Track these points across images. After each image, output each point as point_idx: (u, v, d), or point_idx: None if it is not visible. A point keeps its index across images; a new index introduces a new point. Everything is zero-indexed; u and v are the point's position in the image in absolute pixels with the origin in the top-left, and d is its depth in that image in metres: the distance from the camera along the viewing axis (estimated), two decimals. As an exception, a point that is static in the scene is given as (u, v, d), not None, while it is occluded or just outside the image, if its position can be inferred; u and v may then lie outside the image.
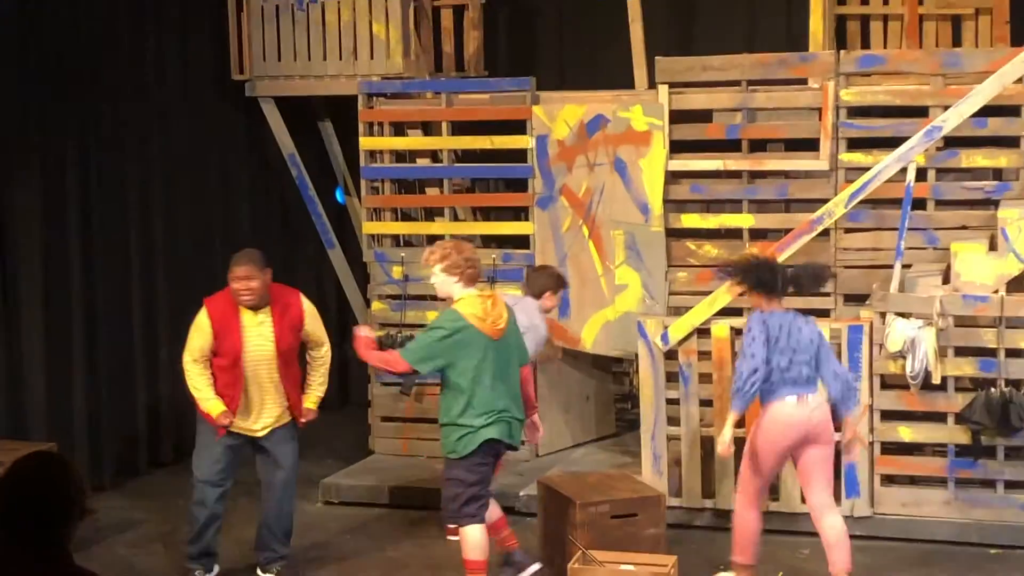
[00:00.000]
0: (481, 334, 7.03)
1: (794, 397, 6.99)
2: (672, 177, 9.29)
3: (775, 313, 7.09)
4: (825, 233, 8.78)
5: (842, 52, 9.13)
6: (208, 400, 7.39)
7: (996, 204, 8.64)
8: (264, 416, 7.52)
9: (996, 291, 8.01)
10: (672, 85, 9.23)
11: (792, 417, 7.00)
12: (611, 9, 10.58)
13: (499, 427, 7.10)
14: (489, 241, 10.14)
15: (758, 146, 9.27)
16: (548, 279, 8.51)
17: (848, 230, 8.99)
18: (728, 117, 9.26)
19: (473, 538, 7.14)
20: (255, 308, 7.41)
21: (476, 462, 7.13)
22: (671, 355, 8.48)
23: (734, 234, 9.32)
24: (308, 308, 7.64)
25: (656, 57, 9.41)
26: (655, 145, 9.23)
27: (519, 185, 9.82)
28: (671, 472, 8.50)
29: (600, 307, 9.44)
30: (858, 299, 8.81)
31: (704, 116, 9.35)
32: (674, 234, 9.35)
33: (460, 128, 9.90)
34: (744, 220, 9.20)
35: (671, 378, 8.52)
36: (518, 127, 9.66)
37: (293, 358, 7.59)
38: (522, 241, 9.76)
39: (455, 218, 10.00)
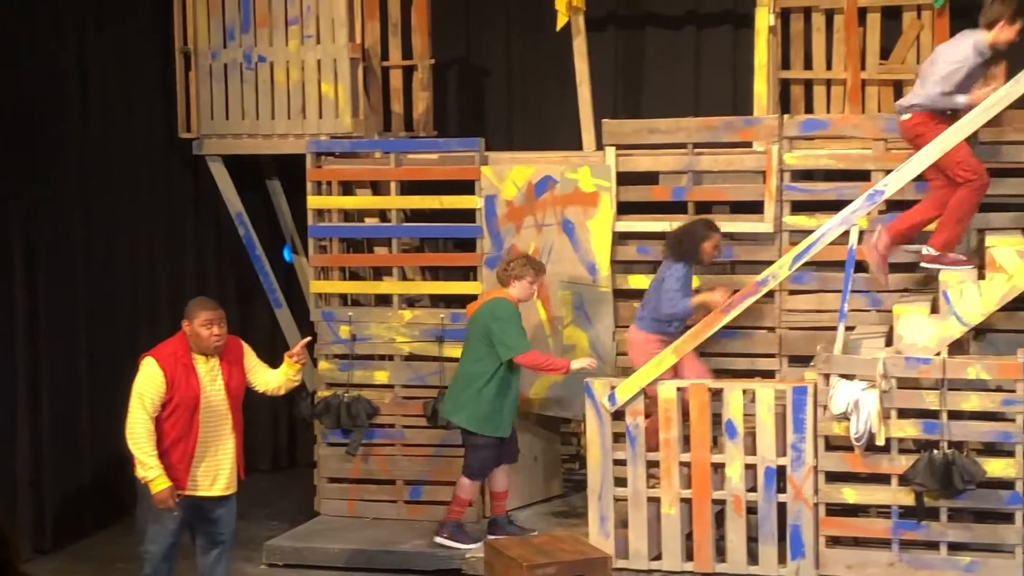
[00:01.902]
0: None
1: None
2: (619, 238, 9.35)
3: None
4: (770, 295, 8.83)
5: (786, 116, 9.25)
6: (153, 469, 7.14)
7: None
8: (222, 476, 7.37)
9: (938, 353, 8.08)
10: (619, 147, 9.33)
11: None
12: (560, 71, 10.67)
13: None
14: (438, 300, 10.14)
15: (704, 208, 9.34)
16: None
17: (792, 292, 9.06)
18: (674, 179, 9.34)
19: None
20: (213, 355, 7.34)
21: None
22: (618, 416, 8.49)
23: None
24: (247, 346, 7.62)
25: (603, 120, 9.52)
26: (602, 206, 9.29)
27: (468, 245, 9.85)
28: (618, 534, 8.48)
29: (548, 368, 9.45)
30: (802, 360, 8.85)
31: (651, 178, 9.43)
32: (621, 295, 9.41)
33: (409, 188, 9.92)
34: None
35: (618, 439, 8.52)
36: (467, 187, 9.70)
37: (240, 405, 7.48)
38: (470, 301, 9.68)
39: (404, 277, 10.00)
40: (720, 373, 9.04)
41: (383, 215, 10.15)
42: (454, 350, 9.58)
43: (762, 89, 9.62)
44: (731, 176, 9.31)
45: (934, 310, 8.41)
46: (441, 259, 10.36)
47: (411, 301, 10.09)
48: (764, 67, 9.62)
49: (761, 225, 9.01)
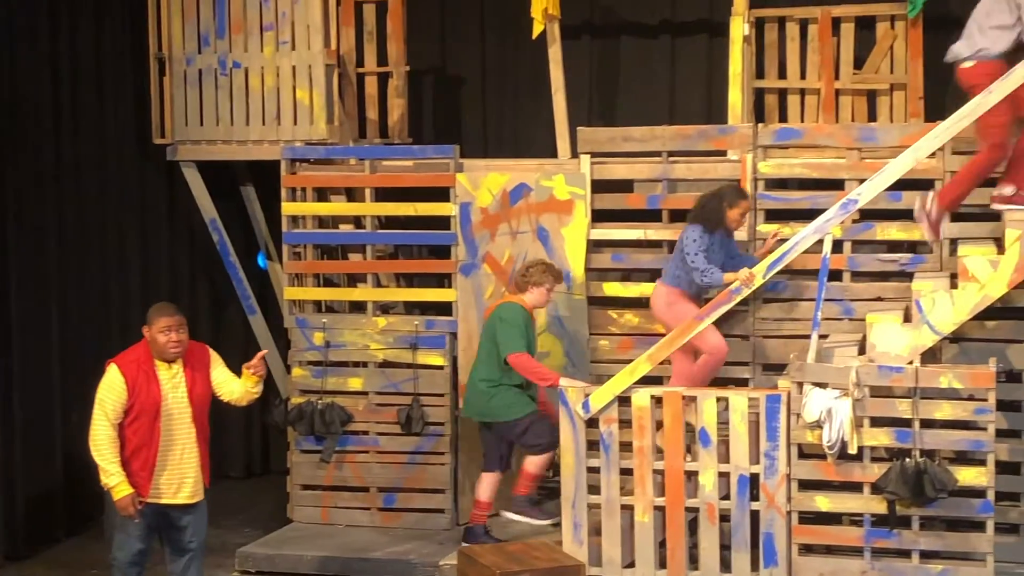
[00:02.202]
0: None
1: None
2: (594, 246, 9.37)
3: None
4: (744, 303, 8.83)
5: (760, 125, 9.28)
6: (115, 476, 7.13)
7: (911, 276, 8.84)
8: (186, 484, 7.34)
9: (911, 362, 8.09)
10: (594, 155, 9.35)
11: None
12: (535, 79, 10.71)
13: None
14: (412, 307, 10.12)
15: (679, 216, 9.32)
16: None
17: (766, 300, 9.09)
18: (649, 187, 9.36)
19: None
20: (173, 361, 7.31)
21: None
22: (592, 423, 8.47)
23: None
24: (215, 355, 7.57)
25: (578, 128, 9.53)
26: (577, 214, 9.30)
27: (442, 252, 9.83)
28: (591, 541, 8.46)
29: (522, 375, 9.46)
30: (776, 369, 8.88)
31: (626, 186, 9.46)
32: (596, 302, 9.41)
33: (384, 195, 9.90)
34: None
35: (592, 446, 8.50)
36: (442, 194, 9.68)
37: (206, 414, 7.44)
38: (445, 308, 9.77)
39: (378, 284, 9.98)
40: None
41: (357, 222, 10.12)
42: (428, 357, 9.59)
43: (736, 98, 9.64)
44: (705, 184, 9.25)
45: (907, 319, 8.43)
46: (415, 266, 10.36)
47: (385, 308, 10.06)
48: (739, 76, 9.64)
49: (735, 233, 8.98)
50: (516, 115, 11.40)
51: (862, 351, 8.46)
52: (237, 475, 11.44)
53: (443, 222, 9.70)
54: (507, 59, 11.39)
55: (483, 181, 9.54)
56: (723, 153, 9.31)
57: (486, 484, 8.99)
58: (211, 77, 10.25)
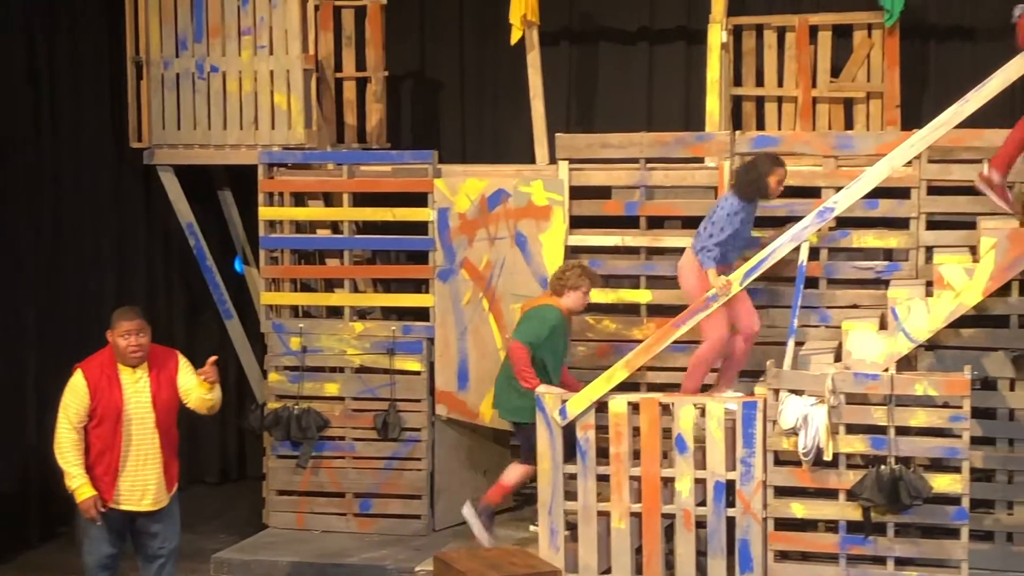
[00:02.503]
0: None
1: None
2: (572, 252, 9.36)
3: None
4: None
5: (737, 132, 9.29)
6: (77, 479, 7.13)
7: (886, 284, 8.85)
8: (149, 491, 7.30)
9: (886, 369, 8.10)
10: (572, 161, 9.35)
11: None
12: (513, 85, 10.71)
13: None
14: (389, 313, 10.10)
15: (656, 223, 9.38)
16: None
17: None
18: (627, 194, 9.36)
19: None
20: (135, 365, 7.28)
21: None
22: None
23: (632, 309, 9.42)
24: (183, 361, 7.51)
25: (556, 134, 9.53)
26: (555, 220, 9.30)
27: (420, 257, 9.82)
28: (568, 547, 8.45)
29: (499, 380, 9.47)
30: (752, 375, 8.87)
31: (604, 192, 9.46)
32: None
33: (361, 200, 9.87)
34: (642, 295, 9.33)
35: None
36: (420, 200, 9.67)
37: (172, 421, 7.40)
38: (422, 313, 9.75)
39: (355, 290, 9.95)
40: (670, 388, 9.04)
41: (335, 227, 10.10)
42: (405, 362, 9.58)
43: (714, 105, 9.68)
44: (682, 191, 9.33)
45: (882, 326, 8.45)
46: (393, 271, 10.33)
47: (362, 313, 10.04)
48: (716, 83, 9.67)
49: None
50: (494, 120, 11.40)
51: (838, 358, 8.48)
52: (212, 480, 11.40)
53: (421, 227, 9.68)
54: (486, 64, 11.38)
55: (461, 186, 9.53)
56: (701, 160, 9.31)
57: (516, 473, 8.94)
58: (189, 81, 10.21)
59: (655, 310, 9.32)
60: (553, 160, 9.58)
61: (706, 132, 9.49)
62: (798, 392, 8.06)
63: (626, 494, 8.35)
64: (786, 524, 8.25)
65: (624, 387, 8.52)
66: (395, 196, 9.80)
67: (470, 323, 9.54)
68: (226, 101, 10.14)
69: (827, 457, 7.95)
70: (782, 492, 8.22)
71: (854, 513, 8.04)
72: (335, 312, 9.99)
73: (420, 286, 9.86)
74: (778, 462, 8.19)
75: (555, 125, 10.04)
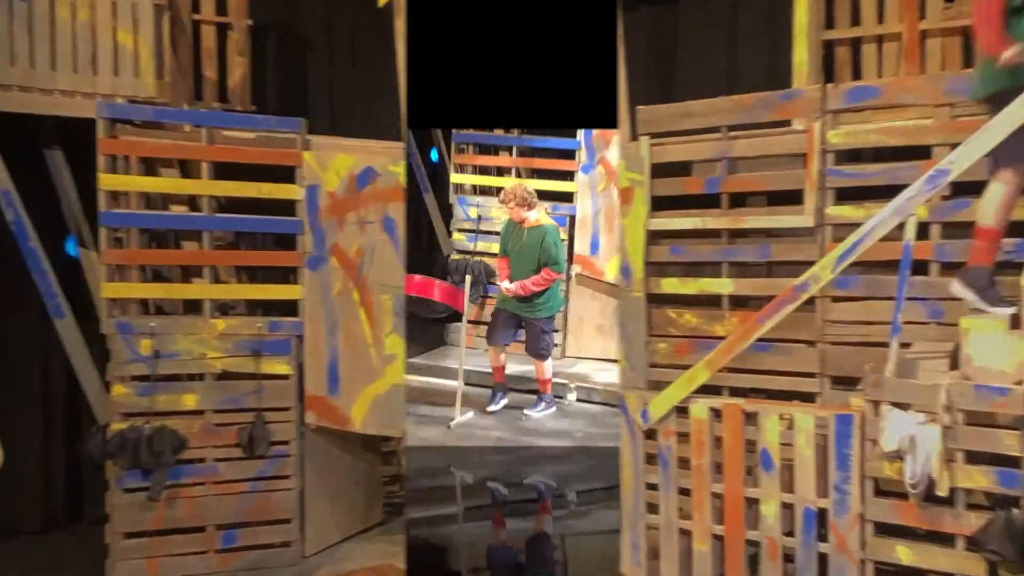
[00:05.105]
0: None
1: None
2: (653, 237, 8.60)
3: None
4: (811, 302, 7.81)
5: (829, 86, 8.07)
6: None
7: (1020, 268, 7.36)
8: None
9: (1020, 382, 6.77)
10: (654, 136, 8.54)
11: None
12: (386, 50, 9.70)
13: None
14: (255, 307, 9.15)
15: (738, 201, 8.44)
16: None
17: (836, 299, 7.96)
18: (709, 169, 8.48)
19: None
20: None
21: None
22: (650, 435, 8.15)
23: (713, 301, 8.57)
24: None
25: (637, 107, 8.68)
26: (637, 202, 8.57)
27: (288, 242, 8.92)
28: (650, 565, 8.12)
29: (370, 381, 8.84)
30: (848, 382, 7.83)
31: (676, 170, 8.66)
32: (654, 299, 8.69)
33: (224, 171, 8.83)
34: (723, 285, 8.43)
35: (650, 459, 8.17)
36: (286, 174, 8.77)
37: None
38: (290, 307, 8.87)
39: (217, 279, 8.92)
40: (754, 393, 8.20)
41: (192, 202, 9.00)
42: (272, 365, 8.81)
43: (802, 55, 8.88)
44: (767, 162, 8.29)
45: (1014, 325, 7.10)
46: (261, 258, 9.27)
47: (225, 308, 9.06)
48: (804, 29, 8.86)
49: (800, 218, 7.97)
50: (366, 92, 10.65)
51: (955, 365, 7.24)
52: (34, 529, 9.70)
53: (288, 207, 8.79)
54: (358, 22, 10.57)
55: (332, 162, 8.79)
56: (788, 123, 8.26)
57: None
58: (4, 2, 8.75)
59: (737, 301, 8.44)
60: (635, 136, 8.68)
61: (792, 89, 8.42)
62: (903, 406, 7.03)
63: (707, 513, 7.90)
64: (889, 571, 7.28)
65: (704, 390, 8.01)
66: (260, 169, 8.80)
67: (341, 317, 8.84)
68: (55, 32, 8.75)
69: (941, 492, 6.87)
70: (885, 530, 7.28)
71: (976, 567, 6.86)
72: (193, 307, 8.90)
73: (287, 275, 8.90)
74: (879, 492, 7.28)
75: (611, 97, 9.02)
